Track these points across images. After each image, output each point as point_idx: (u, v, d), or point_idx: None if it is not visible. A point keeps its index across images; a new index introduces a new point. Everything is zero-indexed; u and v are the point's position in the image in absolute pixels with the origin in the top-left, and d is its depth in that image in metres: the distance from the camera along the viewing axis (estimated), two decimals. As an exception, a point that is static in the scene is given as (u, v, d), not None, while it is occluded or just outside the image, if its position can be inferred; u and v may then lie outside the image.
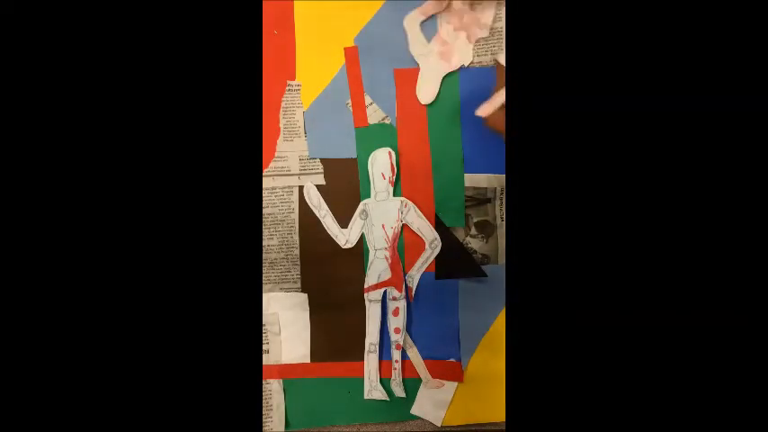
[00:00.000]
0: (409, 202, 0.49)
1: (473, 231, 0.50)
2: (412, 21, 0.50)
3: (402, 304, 0.49)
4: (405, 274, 0.49)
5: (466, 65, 0.50)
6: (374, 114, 0.50)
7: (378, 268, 0.49)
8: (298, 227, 0.50)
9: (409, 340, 0.50)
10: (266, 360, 0.50)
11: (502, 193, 0.50)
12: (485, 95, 0.50)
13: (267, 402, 0.50)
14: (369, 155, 0.50)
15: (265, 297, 0.50)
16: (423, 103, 0.50)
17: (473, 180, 0.49)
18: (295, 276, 0.50)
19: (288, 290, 0.50)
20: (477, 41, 0.50)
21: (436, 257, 0.49)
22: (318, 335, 0.50)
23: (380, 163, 0.49)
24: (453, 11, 0.50)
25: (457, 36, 0.50)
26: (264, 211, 0.50)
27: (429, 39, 0.50)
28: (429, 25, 0.50)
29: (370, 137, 0.50)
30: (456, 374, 0.49)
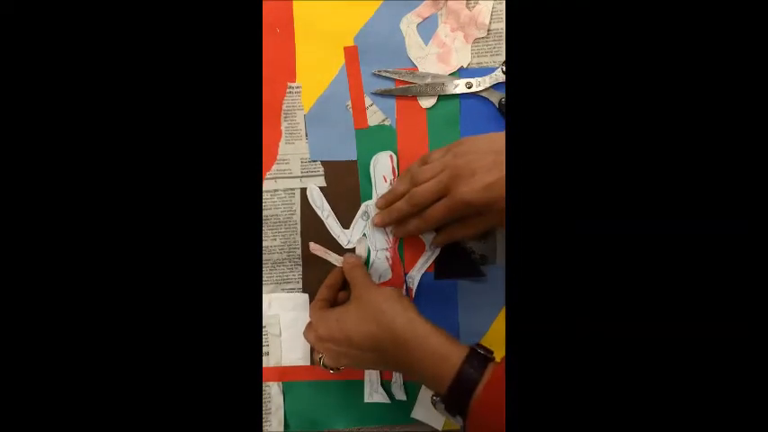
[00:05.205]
0: (411, 204, 0.49)
1: (473, 232, 0.50)
2: (408, 24, 0.50)
3: (403, 306, 0.49)
4: (405, 275, 0.49)
5: (465, 65, 0.50)
6: (374, 116, 0.50)
7: (378, 269, 0.49)
8: (299, 228, 0.50)
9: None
10: (266, 362, 0.50)
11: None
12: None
13: (266, 405, 0.49)
14: (369, 156, 0.50)
15: (267, 298, 0.50)
16: (423, 107, 0.50)
17: (473, 180, 0.49)
18: (297, 277, 0.50)
19: (290, 290, 0.50)
20: (475, 42, 0.50)
21: (435, 258, 0.49)
22: (319, 336, 0.50)
23: (382, 166, 0.50)
24: (450, 12, 0.50)
25: (454, 37, 0.50)
26: (267, 212, 0.50)
27: (426, 40, 0.50)
28: (426, 26, 0.51)
29: (370, 138, 0.50)
30: (456, 376, 0.49)
